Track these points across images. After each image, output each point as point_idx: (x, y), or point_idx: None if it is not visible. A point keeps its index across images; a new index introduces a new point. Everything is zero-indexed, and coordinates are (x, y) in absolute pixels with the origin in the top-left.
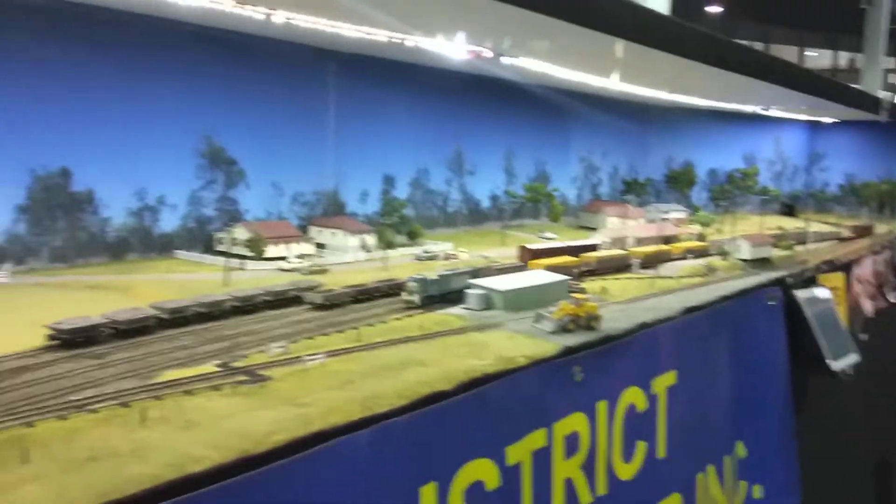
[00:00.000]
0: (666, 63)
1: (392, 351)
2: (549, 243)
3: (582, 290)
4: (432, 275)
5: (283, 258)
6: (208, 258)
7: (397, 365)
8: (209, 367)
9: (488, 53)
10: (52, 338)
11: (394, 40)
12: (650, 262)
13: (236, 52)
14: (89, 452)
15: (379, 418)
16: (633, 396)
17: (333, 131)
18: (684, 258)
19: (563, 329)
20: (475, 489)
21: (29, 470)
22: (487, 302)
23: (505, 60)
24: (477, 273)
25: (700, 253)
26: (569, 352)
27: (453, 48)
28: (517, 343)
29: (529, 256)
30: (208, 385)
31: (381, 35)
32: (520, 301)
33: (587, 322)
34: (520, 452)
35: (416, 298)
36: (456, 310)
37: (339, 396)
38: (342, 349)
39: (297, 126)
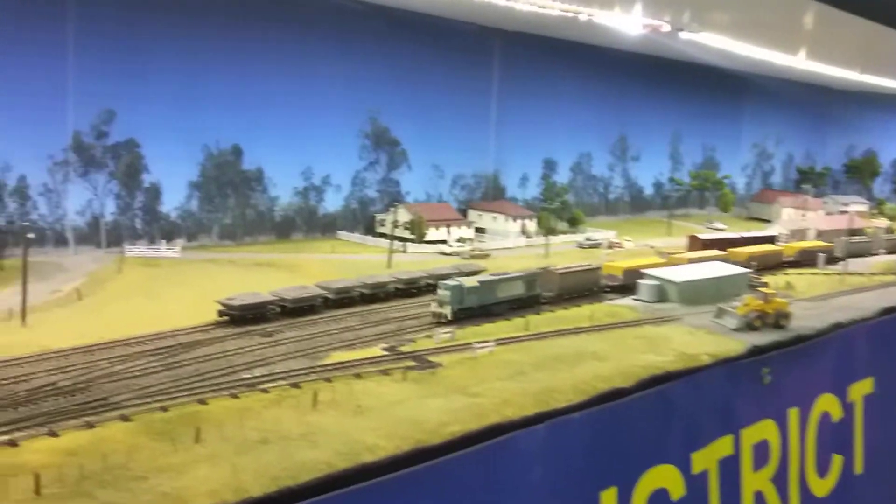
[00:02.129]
0: (862, 32)
1: (563, 342)
2: (721, 234)
3: (765, 285)
4: (471, 281)
5: (443, 241)
6: (370, 239)
7: (570, 357)
8: (376, 350)
9: (665, 28)
10: (222, 313)
11: (567, 15)
12: (845, 254)
13: (402, 31)
14: (261, 434)
15: (555, 414)
16: (827, 404)
17: (495, 113)
18: (876, 254)
19: (749, 326)
20: (659, 497)
21: (202, 450)
22: (661, 293)
23: (683, 36)
24: (532, 279)
25: (893, 249)
26: (757, 351)
27: (629, 22)
28: (698, 339)
29: (700, 247)
30: (377, 369)
31: (554, 9)
32: (696, 293)
33: (776, 320)
34: (706, 460)
35: (446, 311)
36: (626, 300)
37: (512, 388)
38: (511, 338)
39: (459, 107)
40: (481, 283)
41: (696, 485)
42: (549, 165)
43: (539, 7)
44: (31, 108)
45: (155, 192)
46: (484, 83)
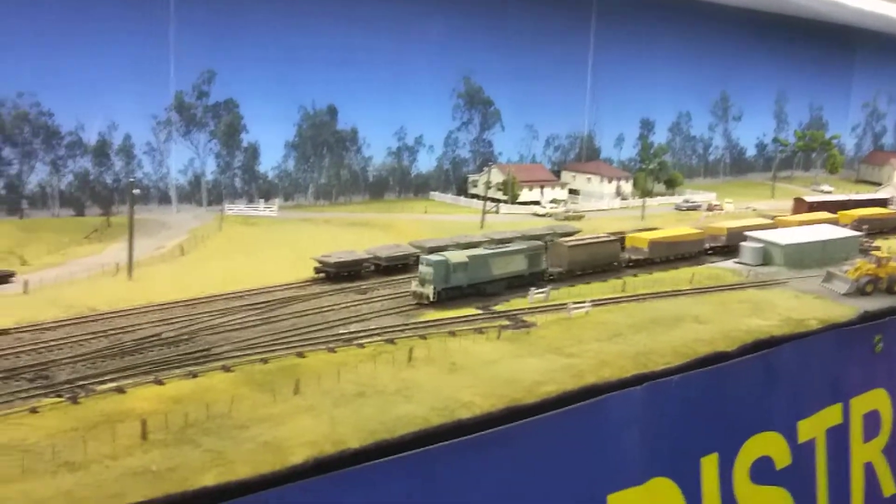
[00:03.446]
0: None
1: (661, 304)
2: (829, 196)
3: (877, 249)
4: (458, 255)
5: (536, 202)
6: (462, 200)
7: (669, 319)
8: (471, 309)
9: None
10: (318, 270)
11: None
12: None
13: None
14: (358, 388)
15: (654, 376)
16: None
17: (591, 72)
18: None
19: (860, 291)
20: (762, 465)
21: (301, 401)
22: (765, 256)
23: None
24: (537, 253)
25: None
26: (868, 317)
27: None
28: (805, 304)
29: (806, 209)
30: (471, 327)
31: None
32: (802, 257)
33: (889, 285)
34: (813, 428)
35: (428, 291)
36: (728, 263)
37: (609, 349)
38: (608, 299)
39: (554, 66)
40: (472, 257)
41: (802, 454)
42: (646, 125)
43: None
44: (135, 68)
45: (253, 152)
46: (580, 41)
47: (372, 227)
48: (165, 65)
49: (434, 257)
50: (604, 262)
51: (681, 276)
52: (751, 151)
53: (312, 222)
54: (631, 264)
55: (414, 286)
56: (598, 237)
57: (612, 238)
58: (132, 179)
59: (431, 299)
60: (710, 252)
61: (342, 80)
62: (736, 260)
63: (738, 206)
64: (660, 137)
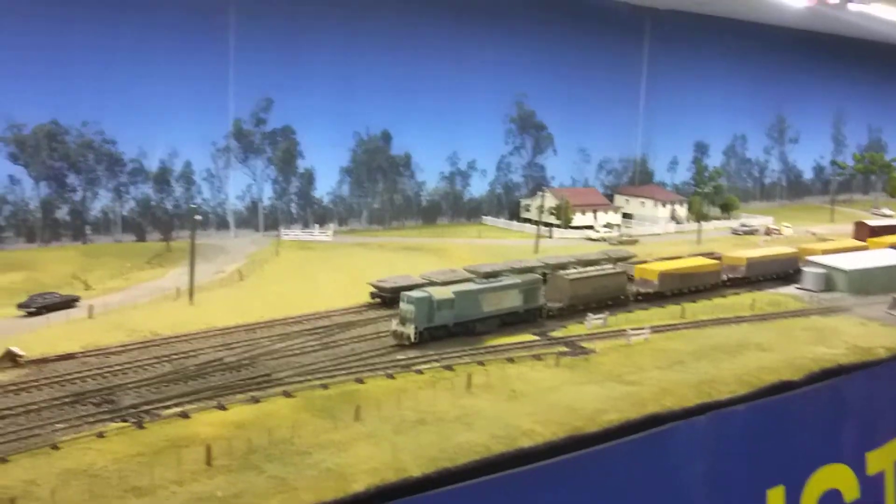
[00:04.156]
0: None
1: (723, 331)
2: (890, 220)
3: None
4: (443, 291)
5: (589, 227)
6: (515, 224)
7: (731, 347)
8: (527, 335)
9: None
10: (374, 295)
11: None
12: None
13: (550, 14)
14: (418, 415)
15: (718, 405)
16: None
17: (644, 95)
18: None
19: None
20: (830, 499)
21: (362, 427)
22: (827, 282)
23: (852, 7)
24: (533, 288)
25: None
26: None
27: None
28: (871, 331)
29: (868, 234)
30: (529, 354)
31: None
32: (866, 283)
33: None
34: (882, 460)
35: (409, 331)
36: (788, 289)
37: (671, 377)
38: (667, 325)
39: (607, 90)
40: (459, 293)
41: (871, 486)
42: (701, 148)
43: None
44: (196, 97)
45: (309, 178)
46: (633, 64)
47: (425, 251)
48: (225, 93)
49: (416, 293)
50: (608, 295)
51: (741, 301)
52: (808, 174)
53: (366, 247)
54: (640, 298)
55: (394, 325)
56: (601, 270)
57: (619, 270)
58: (194, 206)
59: (412, 340)
60: (728, 284)
61: (396, 106)
62: (798, 286)
63: (797, 230)
64: (714, 161)
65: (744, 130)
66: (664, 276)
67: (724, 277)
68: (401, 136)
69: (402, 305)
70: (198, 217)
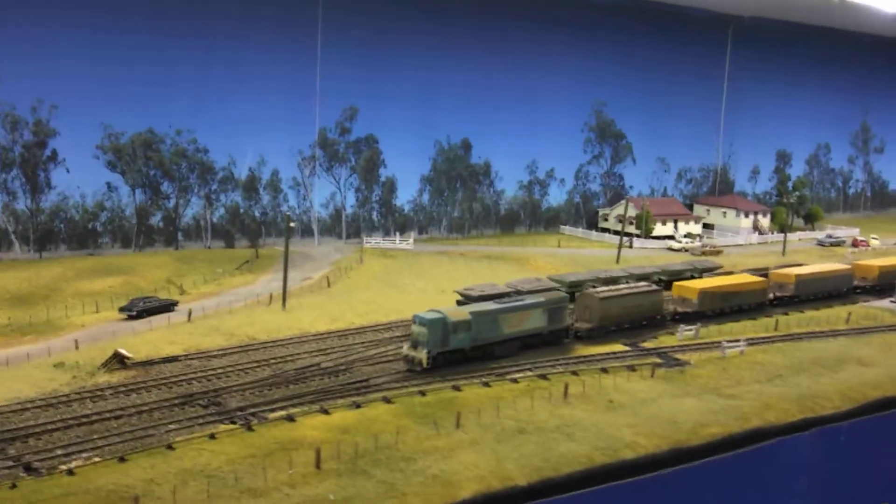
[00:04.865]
0: None
1: (819, 345)
2: None
3: None
4: (459, 312)
5: (670, 237)
6: (594, 234)
7: (830, 361)
8: (617, 345)
9: None
10: (460, 303)
11: None
12: None
13: (631, 22)
14: (517, 423)
15: (822, 421)
16: None
17: (724, 103)
18: None
19: None
20: None
21: (464, 435)
22: None
23: None
24: (558, 307)
25: None
26: None
27: (889, 1)
28: None
29: None
30: (622, 364)
31: None
32: None
33: None
34: None
35: (421, 356)
36: (883, 302)
37: (771, 391)
38: (761, 338)
39: (687, 98)
40: (477, 314)
41: None
42: (783, 157)
43: None
44: (284, 106)
45: (391, 186)
46: (715, 72)
47: (507, 260)
48: (311, 103)
49: (429, 315)
50: (643, 315)
51: (835, 314)
52: (894, 185)
53: (448, 255)
54: (677, 317)
55: (405, 349)
56: (637, 287)
57: (656, 289)
58: (288, 213)
59: (425, 365)
60: (774, 303)
61: (477, 114)
62: (892, 299)
63: (885, 241)
64: (796, 170)
65: (827, 139)
66: (704, 295)
67: (771, 296)
68: (480, 144)
69: (414, 328)
70: (292, 224)
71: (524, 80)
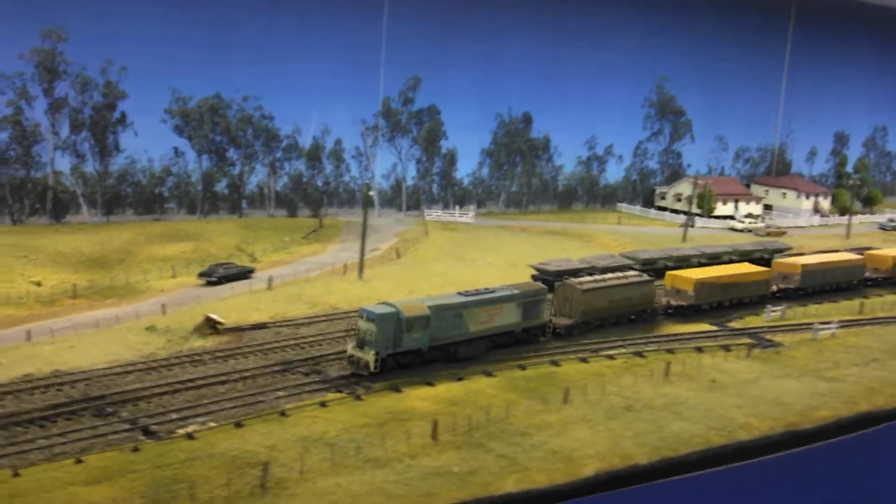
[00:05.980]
0: None
1: None
2: None
3: None
4: (414, 307)
5: (730, 217)
6: (652, 212)
7: None
8: (704, 324)
9: None
10: (536, 278)
11: None
12: None
13: None
14: (624, 400)
15: None
16: None
17: (784, 83)
18: None
19: None
20: None
21: (573, 410)
22: None
23: None
24: (535, 300)
25: None
26: None
27: None
28: None
29: None
30: (715, 343)
31: None
32: None
33: None
34: None
35: (368, 358)
36: None
37: (871, 375)
38: (852, 321)
39: (747, 76)
40: (436, 308)
41: None
42: (841, 139)
43: None
44: (348, 75)
45: (451, 158)
46: (775, 51)
47: (570, 236)
48: (375, 72)
49: (378, 309)
50: (632, 309)
51: None
52: None
53: (509, 230)
54: (670, 311)
55: (350, 348)
56: (622, 278)
57: (646, 279)
58: (367, 182)
59: (372, 370)
60: (778, 295)
61: (538, 88)
62: None
63: None
64: (853, 153)
65: (885, 122)
66: (702, 286)
67: (775, 288)
68: (541, 118)
69: (361, 323)
70: (371, 193)
71: (585, 54)
